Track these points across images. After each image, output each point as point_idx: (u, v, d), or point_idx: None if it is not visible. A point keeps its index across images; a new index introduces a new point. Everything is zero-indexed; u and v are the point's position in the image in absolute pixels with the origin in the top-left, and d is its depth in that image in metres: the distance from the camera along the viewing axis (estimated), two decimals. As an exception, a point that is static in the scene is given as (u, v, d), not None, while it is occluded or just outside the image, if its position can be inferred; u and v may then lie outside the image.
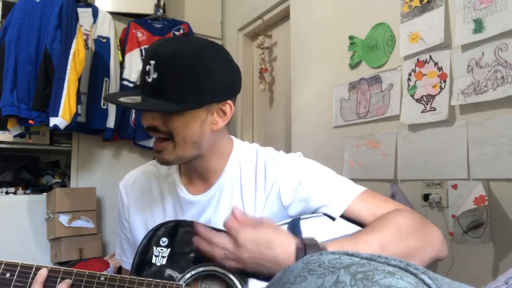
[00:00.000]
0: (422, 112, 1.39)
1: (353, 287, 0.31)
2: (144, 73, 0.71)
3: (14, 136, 2.10)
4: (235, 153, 0.84)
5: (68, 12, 1.99)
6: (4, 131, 2.14)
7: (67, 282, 0.66)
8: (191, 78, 0.69)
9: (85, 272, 0.68)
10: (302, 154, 0.86)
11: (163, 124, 0.72)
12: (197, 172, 0.82)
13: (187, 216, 0.82)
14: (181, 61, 0.69)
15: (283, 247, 0.63)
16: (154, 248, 0.74)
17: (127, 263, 0.92)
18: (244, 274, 0.69)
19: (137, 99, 0.71)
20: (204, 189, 0.82)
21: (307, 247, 0.62)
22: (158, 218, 0.83)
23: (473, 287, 0.36)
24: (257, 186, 0.81)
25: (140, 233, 0.85)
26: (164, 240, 0.75)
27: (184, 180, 0.85)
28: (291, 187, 0.78)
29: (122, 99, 0.71)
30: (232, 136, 0.88)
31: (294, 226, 0.76)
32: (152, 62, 0.69)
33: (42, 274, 0.66)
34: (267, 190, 0.80)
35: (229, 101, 0.75)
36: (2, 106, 1.93)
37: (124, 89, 2.33)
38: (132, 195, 0.88)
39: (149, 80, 0.70)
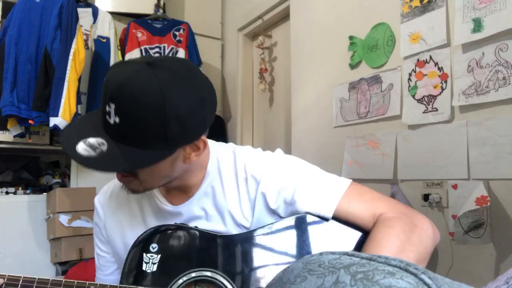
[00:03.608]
0: (423, 112, 1.39)
1: (353, 287, 0.31)
2: (104, 113, 0.63)
3: (14, 136, 2.10)
4: (213, 158, 0.79)
5: (68, 12, 1.99)
6: (4, 131, 2.14)
7: None
8: (158, 125, 0.61)
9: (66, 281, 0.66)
10: (282, 151, 0.82)
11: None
12: (174, 188, 0.78)
13: None
14: (145, 106, 0.60)
15: None
16: (144, 255, 0.72)
17: (102, 279, 0.88)
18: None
19: (98, 144, 0.63)
20: (185, 199, 0.78)
21: None
22: (139, 231, 0.78)
23: (473, 287, 0.36)
24: (239, 189, 0.78)
25: (119, 247, 0.83)
26: (154, 246, 0.73)
27: (163, 191, 0.80)
28: (275, 191, 0.76)
29: (81, 148, 0.62)
30: (206, 140, 0.82)
31: (300, 224, 0.75)
32: (112, 105, 0.61)
33: None
34: (252, 195, 0.77)
35: (202, 137, 0.69)
36: (2, 106, 1.92)
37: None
38: (109, 210, 0.84)
39: (111, 121, 0.62)
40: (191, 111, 0.63)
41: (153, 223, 0.80)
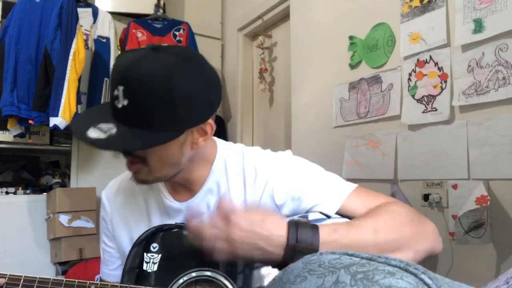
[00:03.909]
0: (423, 112, 1.39)
1: (353, 287, 0.31)
2: (112, 98, 0.66)
3: (14, 136, 2.10)
4: (219, 157, 0.80)
5: (68, 12, 1.99)
6: (4, 131, 2.14)
7: None
8: (166, 106, 0.63)
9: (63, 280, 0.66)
10: (292, 152, 0.84)
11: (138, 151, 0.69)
12: (180, 182, 0.79)
13: None
14: (152, 87, 0.62)
15: (276, 225, 0.62)
16: (145, 254, 0.72)
17: (106, 274, 0.89)
18: (235, 261, 0.67)
19: (108, 128, 0.65)
20: (190, 195, 0.80)
21: (299, 226, 0.61)
22: (143, 228, 0.79)
23: (473, 287, 0.36)
24: (246, 187, 0.79)
25: (124, 243, 0.83)
26: (155, 246, 0.73)
27: (168, 187, 0.81)
28: (283, 187, 0.77)
29: (91, 133, 0.64)
30: (214, 138, 0.82)
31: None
32: (120, 88, 0.63)
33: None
34: (259, 191, 0.78)
35: (209, 120, 0.70)
36: (2, 106, 1.93)
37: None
38: (116, 205, 0.85)
39: (119, 106, 0.64)
40: (197, 92, 0.65)
41: (156, 219, 0.81)
